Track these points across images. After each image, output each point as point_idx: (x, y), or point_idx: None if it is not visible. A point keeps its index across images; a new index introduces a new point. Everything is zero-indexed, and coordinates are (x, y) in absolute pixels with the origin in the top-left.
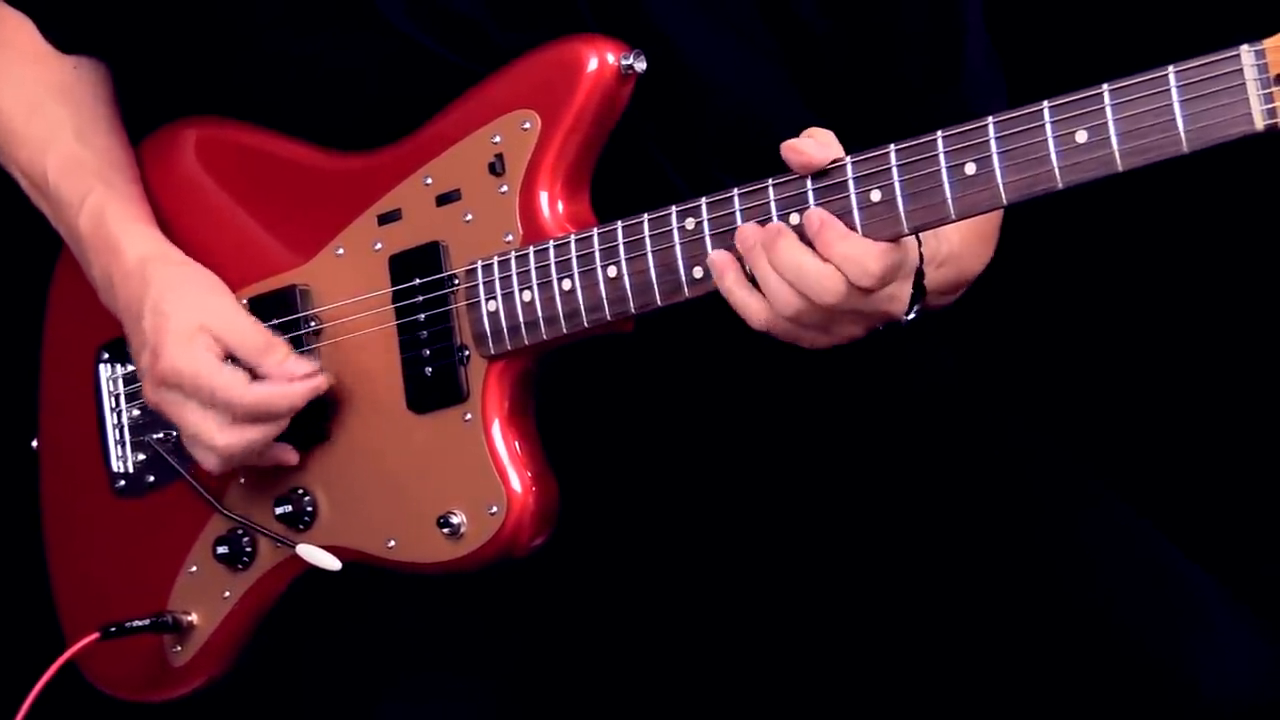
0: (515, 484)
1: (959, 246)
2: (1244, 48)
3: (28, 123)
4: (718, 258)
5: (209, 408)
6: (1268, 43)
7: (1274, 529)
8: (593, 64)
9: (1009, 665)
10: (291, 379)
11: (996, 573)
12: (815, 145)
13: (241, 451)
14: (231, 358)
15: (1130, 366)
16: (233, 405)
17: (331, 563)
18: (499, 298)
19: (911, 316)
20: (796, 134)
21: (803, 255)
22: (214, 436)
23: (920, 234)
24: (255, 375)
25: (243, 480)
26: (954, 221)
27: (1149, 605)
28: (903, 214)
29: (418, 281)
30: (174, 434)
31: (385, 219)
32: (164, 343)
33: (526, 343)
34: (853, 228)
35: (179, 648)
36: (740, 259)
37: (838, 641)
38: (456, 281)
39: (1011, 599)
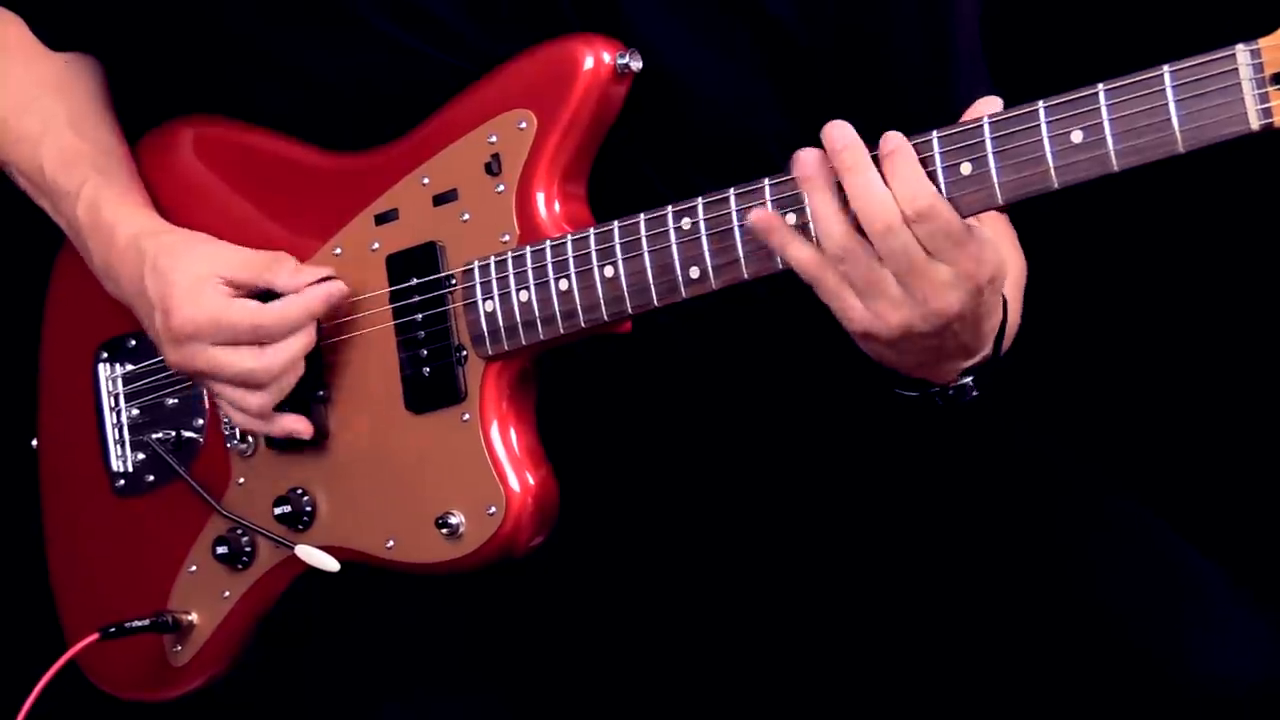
0: (514, 484)
1: (1014, 313)
2: (1239, 47)
3: (21, 119)
4: (761, 217)
5: (236, 343)
6: (1263, 42)
7: (1273, 515)
8: (589, 63)
9: (1010, 651)
10: (304, 287)
11: (997, 560)
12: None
13: (282, 370)
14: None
15: (1131, 358)
16: (259, 327)
17: (330, 563)
18: (496, 298)
19: (968, 381)
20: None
21: (872, 175)
22: (250, 364)
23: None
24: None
25: (242, 480)
26: None
27: (1149, 590)
28: None
29: (415, 281)
30: (173, 434)
31: (383, 219)
32: (172, 299)
33: (524, 343)
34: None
35: (179, 647)
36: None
37: (840, 633)
38: (454, 282)
39: (1013, 586)
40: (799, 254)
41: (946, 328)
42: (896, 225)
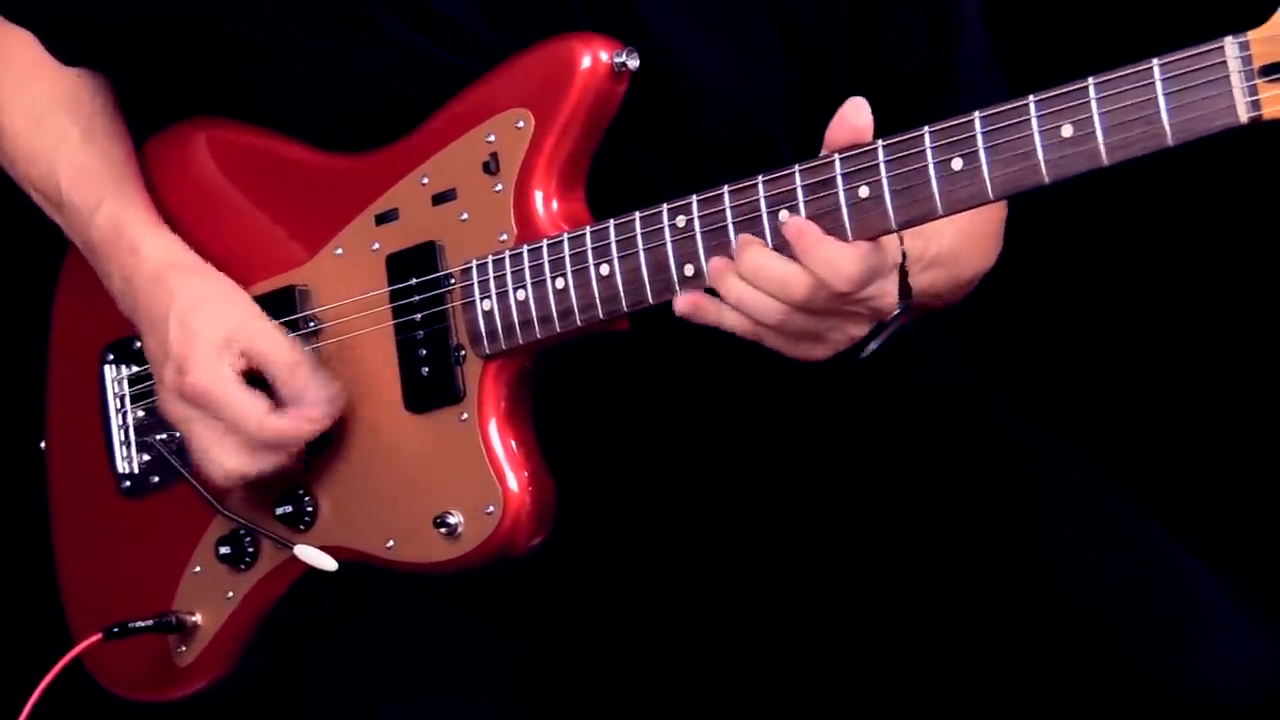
0: (512, 484)
1: (951, 246)
2: (1228, 39)
3: (36, 135)
4: (683, 304)
5: (226, 432)
6: (1252, 34)
7: (1271, 522)
8: (586, 62)
9: (1005, 656)
10: (308, 414)
11: (994, 564)
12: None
13: (250, 477)
14: (255, 374)
15: (1130, 360)
16: (249, 435)
17: (328, 563)
18: (494, 297)
19: (897, 311)
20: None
21: (764, 257)
22: (225, 459)
23: (902, 233)
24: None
25: None
26: (941, 217)
27: (1146, 596)
28: (890, 210)
29: (414, 281)
30: (178, 435)
31: (383, 219)
32: (190, 358)
33: (521, 342)
34: (841, 224)
35: (183, 648)
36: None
37: (837, 635)
38: (452, 281)
39: (1009, 590)
40: (734, 323)
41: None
42: (816, 289)
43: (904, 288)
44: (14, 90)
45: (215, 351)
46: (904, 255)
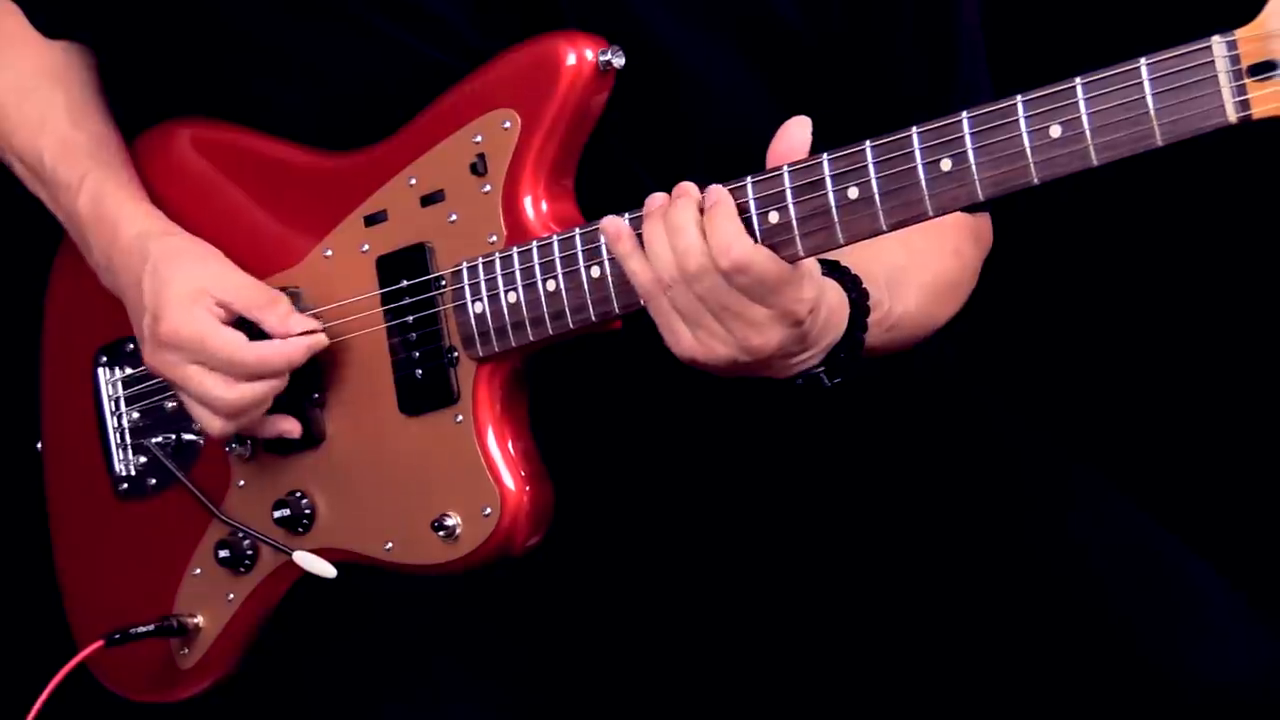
0: (509, 484)
1: (916, 308)
2: (1215, 38)
3: (20, 107)
4: (610, 223)
5: (211, 369)
6: (1239, 33)
7: (1271, 522)
8: (570, 61)
9: (1005, 656)
10: (290, 334)
11: (994, 563)
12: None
13: (245, 408)
14: (233, 321)
15: (1129, 358)
16: (235, 364)
17: (327, 570)
18: (485, 299)
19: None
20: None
21: (689, 218)
22: (216, 392)
23: (869, 302)
24: (255, 335)
25: (242, 483)
26: (932, 218)
27: (1146, 596)
28: (880, 211)
29: (405, 283)
30: (173, 438)
31: (372, 220)
32: (164, 306)
33: (514, 344)
34: (831, 225)
35: (186, 650)
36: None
37: (837, 634)
38: (443, 283)
39: (1009, 590)
40: (638, 269)
41: (769, 361)
42: (707, 269)
43: (856, 341)
44: None
45: (190, 297)
46: (864, 327)
